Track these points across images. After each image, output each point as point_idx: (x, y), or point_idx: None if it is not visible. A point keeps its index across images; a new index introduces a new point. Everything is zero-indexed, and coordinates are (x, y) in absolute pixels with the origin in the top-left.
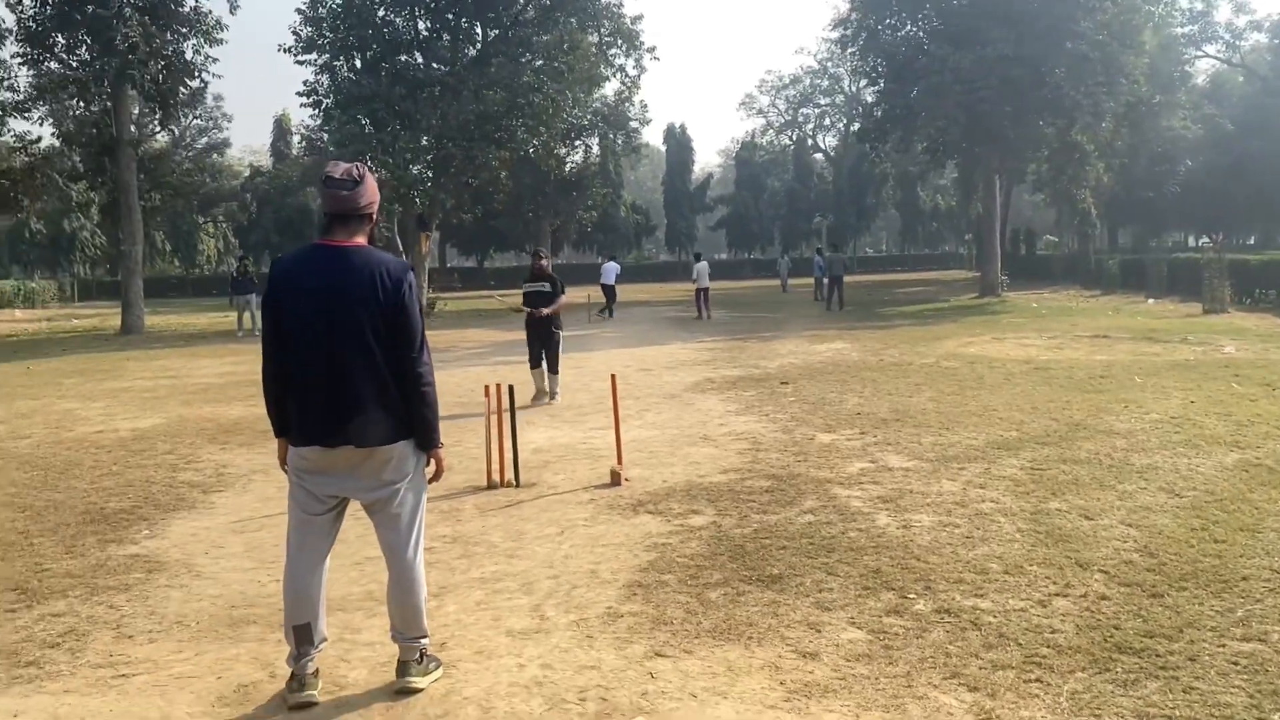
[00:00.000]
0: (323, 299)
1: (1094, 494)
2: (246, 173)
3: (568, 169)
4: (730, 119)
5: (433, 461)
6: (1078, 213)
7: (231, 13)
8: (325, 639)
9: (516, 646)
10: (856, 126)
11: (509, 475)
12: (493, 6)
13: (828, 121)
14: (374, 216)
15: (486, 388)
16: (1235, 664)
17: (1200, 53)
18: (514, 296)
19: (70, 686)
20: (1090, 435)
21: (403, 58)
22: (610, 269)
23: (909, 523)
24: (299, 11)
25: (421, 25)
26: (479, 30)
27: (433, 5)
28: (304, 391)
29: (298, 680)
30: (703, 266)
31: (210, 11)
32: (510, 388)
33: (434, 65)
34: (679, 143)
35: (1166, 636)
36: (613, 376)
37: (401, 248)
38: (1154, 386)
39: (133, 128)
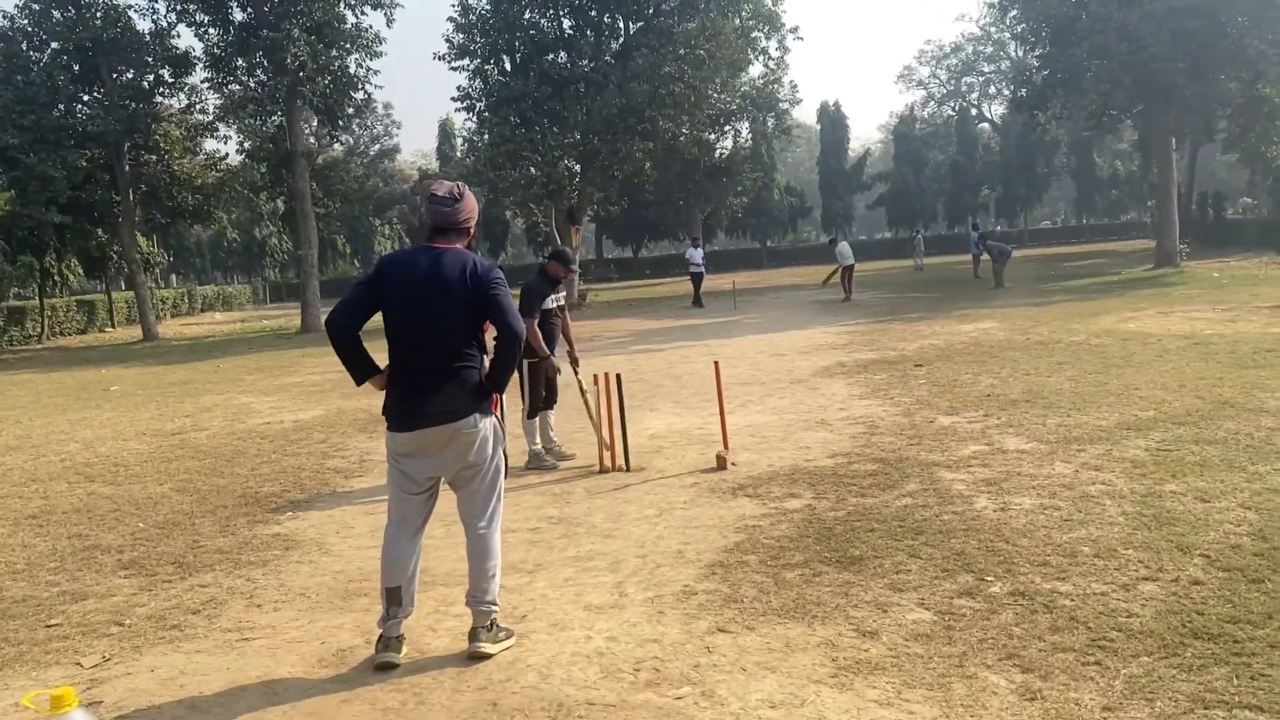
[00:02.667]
0: (422, 288)
1: (1219, 476)
2: (415, 176)
3: (717, 155)
4: (888, 93)
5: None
6: (1271, 172)
7: (389, 25)
8: (413, 606)
9: (589, 620)
10: (1019, 93)
11: (620, 461)
12: (634, 0)
13: (993, 89)
14: (471, 229)
15: (595, 377)
16: None
17: None
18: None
19: (201, 648)
20: (1236, 414)
21: (549, 57)
22: (695, 254)
23: (1007, 505)
24: (451, 20)
25: (566, 24)
26: (621, 25)
27: (576, 3)
28: (401, 374)
29: (383, 642)
30: (844, 247)
31: (370, 27)
32: (618, 376)
33: (579, 62)
34: (833, 121)
35: (1251, 623)
36: (715, 364)
37: (559, 241)
38: None
39: (312, 139)
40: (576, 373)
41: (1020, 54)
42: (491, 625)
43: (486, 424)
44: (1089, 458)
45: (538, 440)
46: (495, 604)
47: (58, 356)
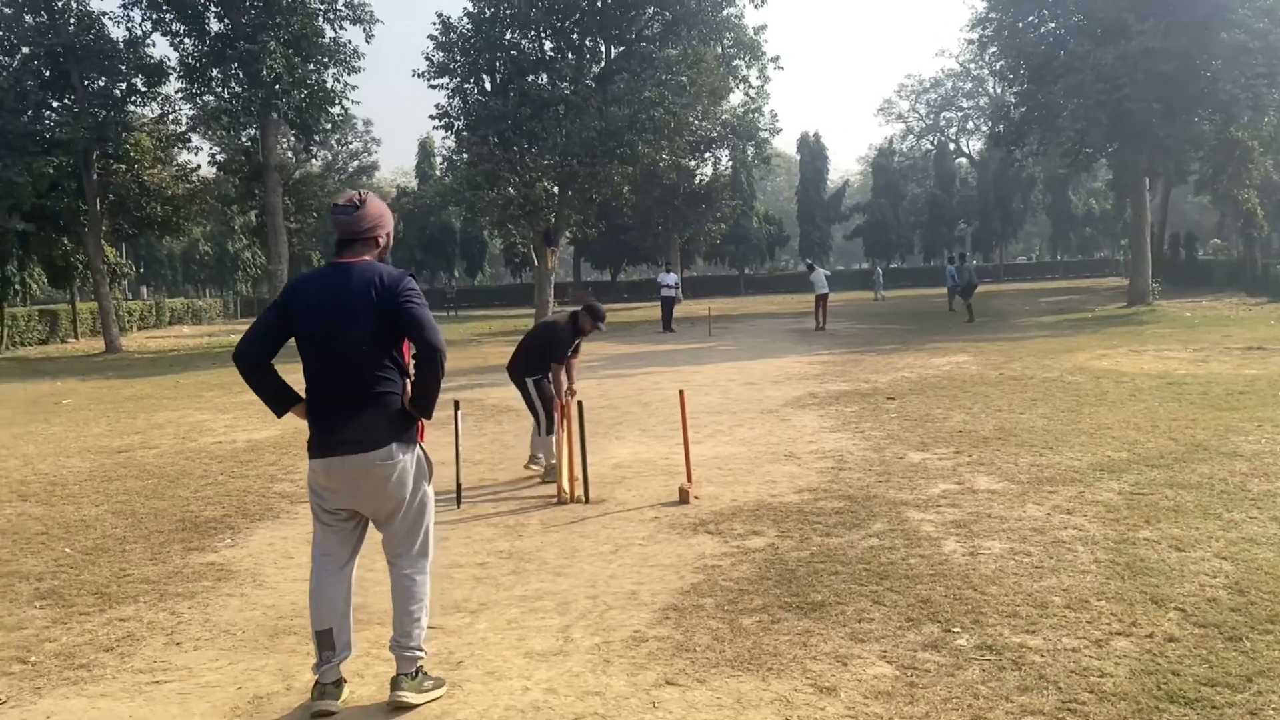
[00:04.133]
0: (328, 308)
1: (1194, 523)
2: (394, 193)
3: (697, 181)
4: (868, 126)
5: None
6: (1241, 214)
7: (368, 41)
8: (349, 648)
9: (529, 669)
10: (997, 129)
11: (579, 491)
12: (616, 24)
13: (971, 125)
14: (380, 239)
15: (557, 403)
16: None
17: None
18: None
19: (107, 691)
20: (1209, 457)
21: (529, 78)
22: (667, 278)
23: (976, 549)
24: (431, 38)
25: (547, 46)
26: (603, 48)
27: (558, 25)
28: (313, 401)
29: (319, 689)
30: (819, 275)
31: (349, 42)
32: (580, 403)
33: (559, 84)
34: (813, 151)
35: (1230, 686)
36: (680, 393)
37: (536, 262)
38: None
39: (290, 154)
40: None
41: (999, 90)
42: (417, 673)
43: (407, 456)
44: (1061, 500)
45: (555, 455)
46: (420, 650)
47: (14, 367)
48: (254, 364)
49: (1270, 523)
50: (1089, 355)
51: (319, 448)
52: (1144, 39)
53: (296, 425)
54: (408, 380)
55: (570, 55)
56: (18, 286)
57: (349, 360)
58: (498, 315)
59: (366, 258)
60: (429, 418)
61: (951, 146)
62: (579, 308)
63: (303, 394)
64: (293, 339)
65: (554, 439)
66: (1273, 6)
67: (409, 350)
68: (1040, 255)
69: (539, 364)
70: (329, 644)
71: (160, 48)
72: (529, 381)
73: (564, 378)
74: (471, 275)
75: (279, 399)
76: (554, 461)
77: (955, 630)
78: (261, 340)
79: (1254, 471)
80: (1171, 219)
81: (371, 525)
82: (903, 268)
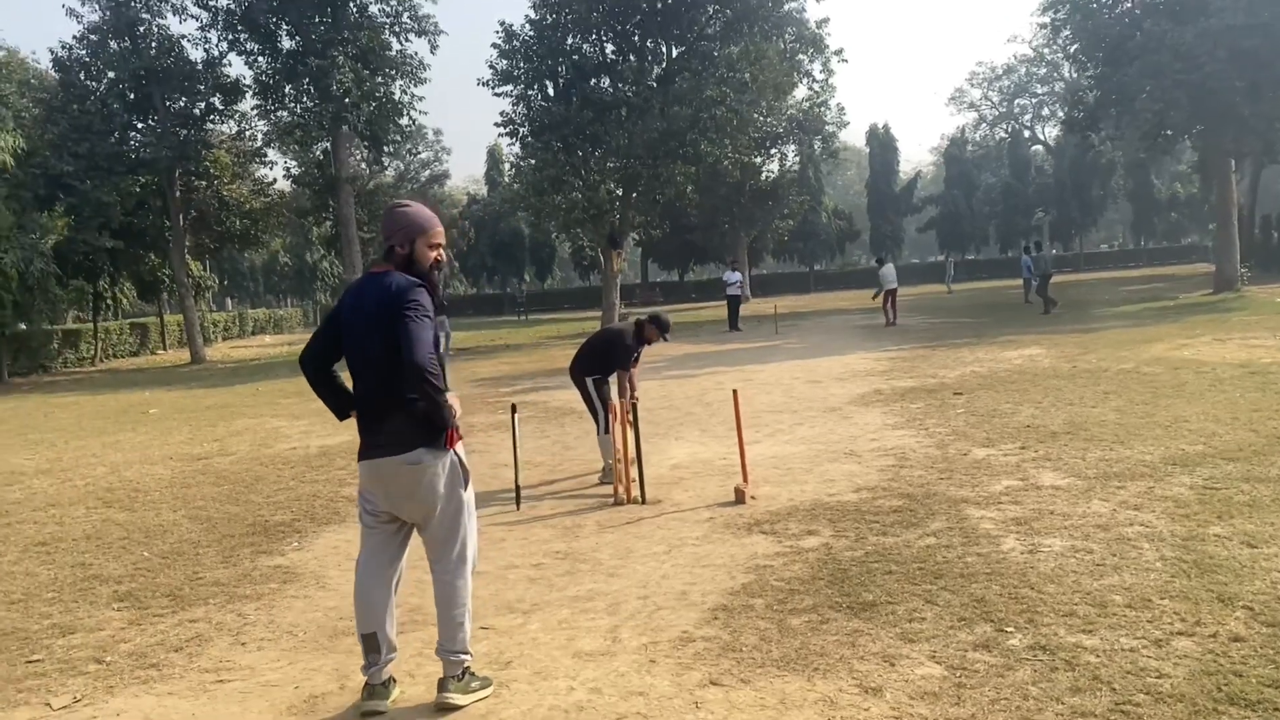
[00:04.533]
0: (358, 316)
1: (1269, 518)
2: (464, 200)
3: (763, 178)
4: (939, 115)
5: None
6: None
7: (432, 52)
8: (395, 650)
9: (576, 668)
10: (1073, 114)
11: (635, 492)
12: (677, 24)
13: (1046, 111)
14: (397, 247)
15: (610, 405)
16: None
17: None
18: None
19: (174, 689)
20: None
21: (591, 82)
22: (733, 277)
23: (1036, 547)
24: (494, 46)
25: (609, 49)
26: (663, 49)
27: (619, 28)
28: (356, 405)
29: (368, 689)
30: (888, 269)
31: (415, 54)
32: (633, 404)
33: (620, 86)
34: (882, 143)
35: None
36: (734, 392)
37: (603, 264)
38: None
39: (363, 165)
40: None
41: (1073, 75)
42: (463, 674)
43: (438, 461)
44: (1129, 495)
45: (609, 456)
46: (465, 653)
47: (106, 379)
48: (314, 370)
49: None
50: (1168, 345)
51: (361, 451)
52: (1225, 15)
53: None
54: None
55: (631, 57)
56: (109, 301)
57: (375, 367)
58: (566, 319)
59: (389, 267)
60: (445, 427)
61: (1026, 134)
62: (645, 316)
63: None
64: None
65: (610, 438)
66: None
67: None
68: (1123, 243)
69: (600, 366)
70: (374, 646)
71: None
72: (589, 381)
73: (632, 381)
74: (541, 279)
75: (339, 404)
76: (611, 462)
77: (1008, 630)
78: (318, 348)
79: None
80: (1263, 201)
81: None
82: (978, 259)
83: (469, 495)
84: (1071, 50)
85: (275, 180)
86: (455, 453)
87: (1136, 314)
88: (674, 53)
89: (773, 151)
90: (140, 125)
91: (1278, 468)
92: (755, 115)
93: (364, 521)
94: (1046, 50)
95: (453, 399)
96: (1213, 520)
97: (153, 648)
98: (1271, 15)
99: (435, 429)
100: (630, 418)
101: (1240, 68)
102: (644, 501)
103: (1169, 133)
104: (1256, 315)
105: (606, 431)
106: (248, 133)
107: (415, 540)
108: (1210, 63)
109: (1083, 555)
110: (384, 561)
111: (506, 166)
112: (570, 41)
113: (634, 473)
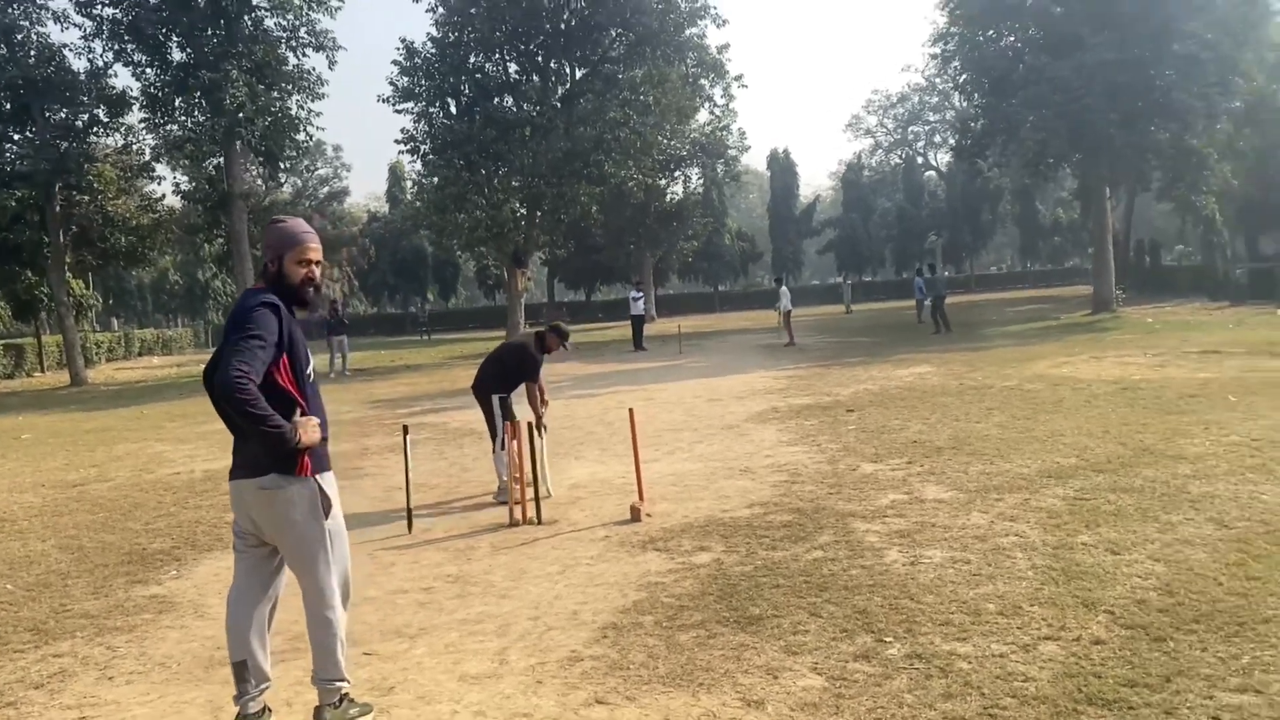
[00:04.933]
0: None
1: (1132, 526)
2: (364, 218)
3: (668, 200)
4: (838, 141)
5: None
6: (1201, 220)
7: (330, 68)
8: (268, 679)
9: (461, 692)
10: (962, 141)
11: (531, 513)
12: (580, 46)
13: (938, 138)
14: (268, 264)
15: (508, 425)
16: (1216, 718)
17: None
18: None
19: None
20: (1154, 461)
21: (494, 101)
22: (637, 296)
23: (917, 559)
24: (395, 63)
25: (512, 68)
26: (568, 70)
27: (522, 48)
28: (227, 425)
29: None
30: (784, 290)
31: (313, 69)
32: (529, 424)
33: (524, 106)
34: (783, 167)
35: (1149, 686)
36: (630, 411)
37: (507, 283)
38: (1247, 406)
39: (258, 181)
40: (540, 433)
41: (963, 104)
42: (340, 701)
43: (290, 486)
44: (1006, 507)
45: (505, 474)
46: (339, 681)
47: None
48: (209, 387)
49: (1206, 524)
50: (1050, 363)
51: (232, 468)
52: (1099, 51)
53: None
54: (299, 409)
55: (535, 77)
56: None
57: None
58: (471, 338)
59: (260, 285)
60: (277, 451)
61: (920, 160)
62: (544, 327)
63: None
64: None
65: (506, 454)
66: (1224, 18)
67: (282, 376)
68: (1011, 265)
69: (509, 382)
70: (243, 674)
71: (122, 78)
72: (495, 399)
73: (538, 398)
74: (445, 298)
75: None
76: (506, 479)
77: (888, 640)
78: (210, 366)
79: (1196, 474)
80: (1137, 226)
81: None
82: (875, 280)
83: (332, 524)
84: (960, 80)
85: (164, 196)
86: (316, 480)
87: (1021, 333)
88: (578, 74)
89: (677, 174)
90: (17, 136)
91: (1141, 479)
92: (659, 137)
93: (235, 546)
94: (938, 80)
95: (308, 423)
96: (1081, 529)
97: (10, 685)
98: (1141, 53)
99: (289, 452)
100: (539, 433)
101: (1113, 101)
102: (540, 522)
103: (1051, 161)
104: (1130, 334)
105: (503, 448)
106: (135, 146)
107: None
108: (1087, 95)
109: (960, 565)
110: (254, 585)
111: (408, 184)
112: (473, 60)
113: (530, 493)
